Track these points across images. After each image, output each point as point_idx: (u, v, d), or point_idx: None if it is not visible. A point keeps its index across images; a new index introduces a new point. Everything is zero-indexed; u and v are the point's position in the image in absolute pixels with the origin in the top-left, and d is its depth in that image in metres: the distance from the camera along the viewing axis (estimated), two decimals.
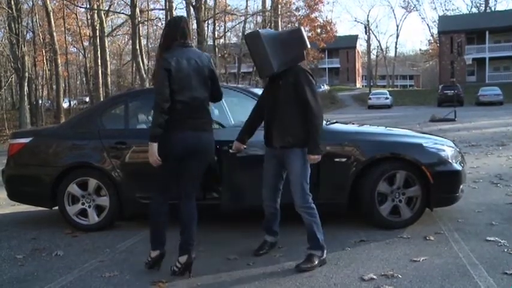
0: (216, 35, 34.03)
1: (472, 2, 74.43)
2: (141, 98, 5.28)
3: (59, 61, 27.23)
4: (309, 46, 3.70)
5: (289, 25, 32.34)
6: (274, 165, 3.68)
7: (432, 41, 66.85)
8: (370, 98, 35.23)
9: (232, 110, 4.86)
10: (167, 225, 3.55)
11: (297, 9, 35.65)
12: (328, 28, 40.41)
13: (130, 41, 29.11)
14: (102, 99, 23.85)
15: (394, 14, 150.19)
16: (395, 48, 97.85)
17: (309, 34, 34.38)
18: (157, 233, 3.51)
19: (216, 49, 32.62)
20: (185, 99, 3.35)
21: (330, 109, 33.24)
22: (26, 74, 22.01)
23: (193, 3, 23.29)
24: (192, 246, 3.40)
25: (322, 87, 48.35)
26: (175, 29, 3.47)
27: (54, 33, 26.45)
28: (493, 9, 59.59)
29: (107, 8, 30.00)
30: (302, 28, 3.76)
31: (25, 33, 24.15)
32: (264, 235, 3.90)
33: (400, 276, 3.26)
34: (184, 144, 3.36)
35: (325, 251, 3.56)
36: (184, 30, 3.47)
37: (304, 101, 3.46)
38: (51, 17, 25.85)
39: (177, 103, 3.32)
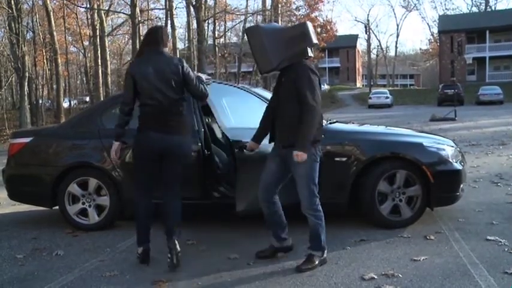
0: (216, 35, 34.05)
1: (472, 1, 74.39)
2: None
3: (59, 61, 27.22)
4: (314, 42, 3.48)
5: (289, 24, 32.33)
6: (276, 165, 3.57)
7: (432, 41, 66.90)
8: (370, 98, 35.21)
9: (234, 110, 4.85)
10: (151, 223, 3.73)
11: (297, 8, 35.73)
12: (329, 27, 40.49)
13: (131, 41, 29.11)
14: (102, 99, 23.85)
15: (394, 14, 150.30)
16: (396, 47, 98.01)
17: None
18: (141, 230, 3.69)
19: (216, 48, 32.62)
20: (151, 103, 3.57)
21: (330, 108, 33.23)
22: (26, 74, 21.98)
23: (193, 3, 23.29)
24: (175, 228, 3.59)
25: (322, 86, 48.26)
26: (149, 37, 3.71)
27: (55, 33, 26.43)
28: (493, 8, 59.60)
29: (107, 8, 30.03)
30: (308, 24, 3.53)
31: (25, 33, 24.11)
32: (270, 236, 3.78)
33: (401, 276, 3.26)
34: (151, 145, 3.56)
35: (325, 251, 3.55)
36: (157, 38, 3.66)
37: (301, 96, 3.34)
38: (51, 16, 25.83)
39: (144, 106, 3.60)
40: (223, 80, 29.33)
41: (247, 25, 29.98)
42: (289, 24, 31.57)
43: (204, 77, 4.00)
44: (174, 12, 25.23)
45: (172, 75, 3.56)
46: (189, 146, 3.75)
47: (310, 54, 3.50)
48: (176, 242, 3.56)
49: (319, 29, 38.91)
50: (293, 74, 3.42)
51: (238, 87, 5.22)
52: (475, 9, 61.61)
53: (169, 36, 4.01)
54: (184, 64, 3.66)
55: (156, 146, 3.55)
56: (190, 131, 3.74)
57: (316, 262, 3.47)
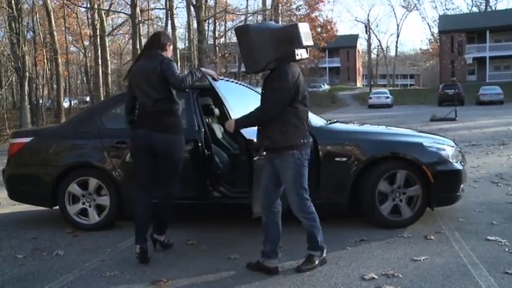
0: (217, 35, 34.06)
1: (472, 1, 74.45)
2: None
3: (60, 60, 27.15)
4: (305, 44, 3.30)
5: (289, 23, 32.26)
6: (268, 169, 3.44)
7: (432, 40, 66.88)
8: (370, 97, 35.19)
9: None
10: (150, 223, 3.83)
11: (298, 8, 35.64)
12: (329, 27, 40.39)
13: (131, 41, 29.11)
14: (102, 99, 23.84)
15: (395, 13, 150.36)
16: (396, 47, 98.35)
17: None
18: (139, 230, 3.73)
19: (217, 48, 32.61)
20: (140, 103, 3.78)
21: (330, 108, 33.23)
22: (27, 74, 21.96)
23: (194, 3, 23.27)
24: (162, 227, 3.90)
25: (322, 86, 48.37)
26: (147, 42, 3.99)
27: (55, 33, 26.38)
28: (493, 8, 59.58)
29: (107, 8, 30.00)
30: (301, 24, 3.36)
31: (25, 33, 24.10)
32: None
33: (401, 276, 3.25)
34: (140, 142, 3.71)
35: (325, 251, 3.54)
36: (152, 42, 3.84)
37: (265, 96, 3.29)
38: (52, 16, 25.78)
39: (138, 106, 3.82)
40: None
41: None
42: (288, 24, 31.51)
43: (210, 72, 4.01)
44: (174, 12, 25.27)
45: (153, 75, 3.67)
46: (180, 146, 3.77)
47: (301, 56, 3.33)
48: (156, 236, 3.89)
49: (319, 29, 38.83)
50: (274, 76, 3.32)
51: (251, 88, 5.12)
52: (475, 9, 61.65)
53: (170, 38, 4.08)
54: (165, 60, 3.68)
55: (144, 142, 3.68)
56: (181, 132, 3.79)
57: (316, 262, 3.46)
